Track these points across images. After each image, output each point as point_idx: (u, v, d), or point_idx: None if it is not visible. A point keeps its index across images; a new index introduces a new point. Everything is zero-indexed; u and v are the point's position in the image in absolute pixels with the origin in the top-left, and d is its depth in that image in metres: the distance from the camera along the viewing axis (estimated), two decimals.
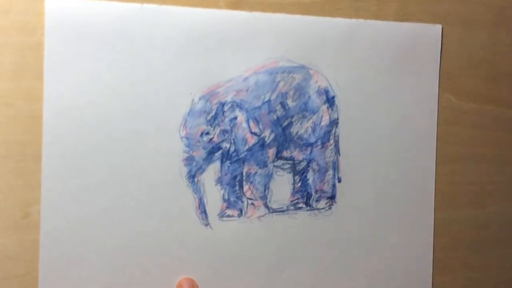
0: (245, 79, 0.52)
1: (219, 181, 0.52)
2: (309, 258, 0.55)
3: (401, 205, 0.57)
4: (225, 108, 0.52)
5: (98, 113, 0.48)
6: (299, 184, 0.54)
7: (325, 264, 0.55)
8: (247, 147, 0.53)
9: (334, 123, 0.55)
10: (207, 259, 0.52)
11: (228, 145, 0.52)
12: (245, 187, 0.53)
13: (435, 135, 0.58)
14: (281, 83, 0.53)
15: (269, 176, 0.53)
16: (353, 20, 0.55)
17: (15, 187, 0.47)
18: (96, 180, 0.48)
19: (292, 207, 0.54)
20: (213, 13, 0.51)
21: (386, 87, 0.56)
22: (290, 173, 0.54)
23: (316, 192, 0.55)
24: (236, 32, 0.52)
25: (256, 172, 0.53)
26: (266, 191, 0.53)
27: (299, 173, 0.54)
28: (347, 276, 0.56)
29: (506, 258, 0.62)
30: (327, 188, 0.55)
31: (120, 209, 0.49)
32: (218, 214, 0.52)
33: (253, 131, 0.53)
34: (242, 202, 0.53)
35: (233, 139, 0.52)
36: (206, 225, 0.52)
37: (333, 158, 0.55)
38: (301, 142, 0.54)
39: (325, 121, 0.55)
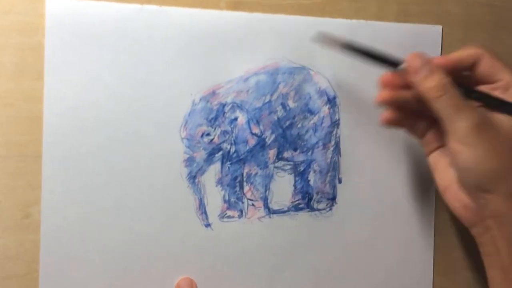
0: (246, 80, 0.52)
1: (220, 182, 0.52)
2: (309, 259, 0.55)
3: (402, 205, 0.57)
4: (226, 109, 0.52)
5: (99, 113, 0.48)
6: (300, 185, 0.54)
7: (325, 265, 0.55)
8: (247, 148, 0.53)
9: (335, 124, 0.55)
10: (207, 259, 0.52)
11: (228, 146, 0.52)
12: (246, 188, 0.53)
13: None
14: (282, 84, 0.53)
15: (270, 177, 0.53)
16: (354, 21, 0.55)
17: (15, 188, 0.47)
18: (96, 181, 0.48)
19: (293, 208, 0.54)
20: (213, 14, 0.51)
21: None
22: (291, 174, 0.54)
23: (317, 193, 0.55)
24: (237, 33, 0.52)
25: (256, 173, 0.53)
26: (267, 192, 0.53)
27: (300, 174, 0.54)
28: (348, 277, 0.56)
29: None
30: (328, 189, 0.55)
31: (120, 209, 0.49)
32: (218, 215, 0.52)
33: (253, 132, 0.53)
34: (243, 203, 0.53)
35: (234, 140, 0.52)
36: (206, 226, 0.52)
37: (334, 159, 0.55)
38: (302, 143, 0.54)
39: (326, 122, 0.55)
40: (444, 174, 0.50)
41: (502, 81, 0.47)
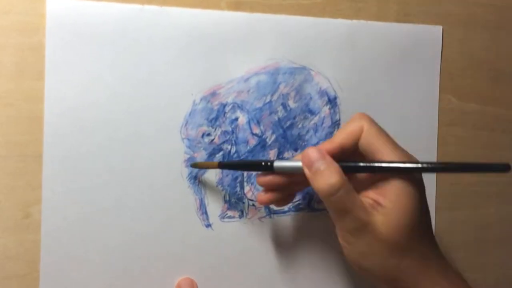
0: (246, 80, 0.52)
1: (220, 182, 0.52)
2: (310, 259, 0.55)
3: None
4: (226, 109, 0.52)
5: (99, 113, 0.48)
6: None
7: (326, 265, 0.55)
8: (248, 148, 0.53)
9: (336, 124, 0.55)
10: (208, 260, 0.52)
11: (229, 146, 0.52)
12: (246, 188, 0.53)
13: (436, 136, 0.58)
14: (283, 84, 0.53)
15: None
16: (354, 21, 0.55)
17: (16, 187, 0.47)
18: (97, 181, 0.48)
19: (293, 208, 0.54)
20: (214, 14, 0.51)
21: (387, 88, 0.56)
22: None
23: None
24: (237, 33, 0.52)
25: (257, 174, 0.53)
26: None
27: None
28: (348, 277, 0.56)
29: (506, 258, 0.62)
30: None
31: (121, 209, 0.49)
32: (219, 215, 0.52)
33: (254, 132, 0.53)
34: (243, 203, 0.53)
35: (235, 140, 0.52)
36: (207, 226, 0.52)
37: None
38: (303, 143, 0.54)
39: (327, 122, 0.55)
40: None
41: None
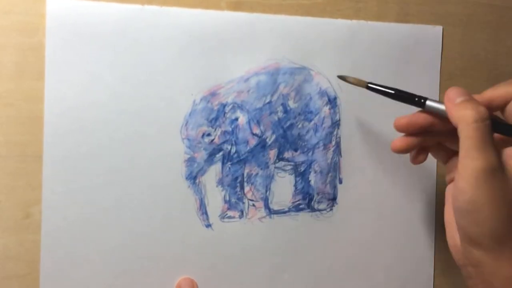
0: (246, 80, 0.52)
1: (220, 182, 0.52)
2: (310, 260, 0.55)
3: (402, 206, 0.57)
4: (227, 109, 0.52)
5: (99, 113, 0.48)
6: (301, 186, 0.54)
7: (326, 265, 0.55)
8: (248, 148, 0.53)
9: (335, 124, 0.55)
10: (208, 260, 0.52)
11: (229, 147, 0.52)
12: (246, 188, 0.53)
13: None
14: (282, 84, 0.53)
15: (270, 178, 0.53)
16: (354, 21, 0.55)
17: (16, 187, 0.47)
18: (97, 181, 0.48)
19: (293, 209, 0.54)
20: (214, 14, 0.51)
21: None
22: (291, 174, 0.54)
23: (317, 193, 0.55)
24: (237, 33, 0.52)
25: (257, 173, 0.53)
26: (267, 192, 0.53)
27: (301, 174, 0.54)
28: (348, 277, 0.56)
29: None
30: (328, 189, 0.55)
31: (121, 210, 0.49)
32: (219, 215, 0.52)
33: (254, 132, 0.53)
34: (243, 203, 0.53)
35: (235, 141, 0.52)
36: (207, 226, 0.52)
37: (334, 159, 0.55)
38: (303, 144, 0.54)
39: (327, 122, 0.55)
40: (451, 209, 0.45)
41: None
